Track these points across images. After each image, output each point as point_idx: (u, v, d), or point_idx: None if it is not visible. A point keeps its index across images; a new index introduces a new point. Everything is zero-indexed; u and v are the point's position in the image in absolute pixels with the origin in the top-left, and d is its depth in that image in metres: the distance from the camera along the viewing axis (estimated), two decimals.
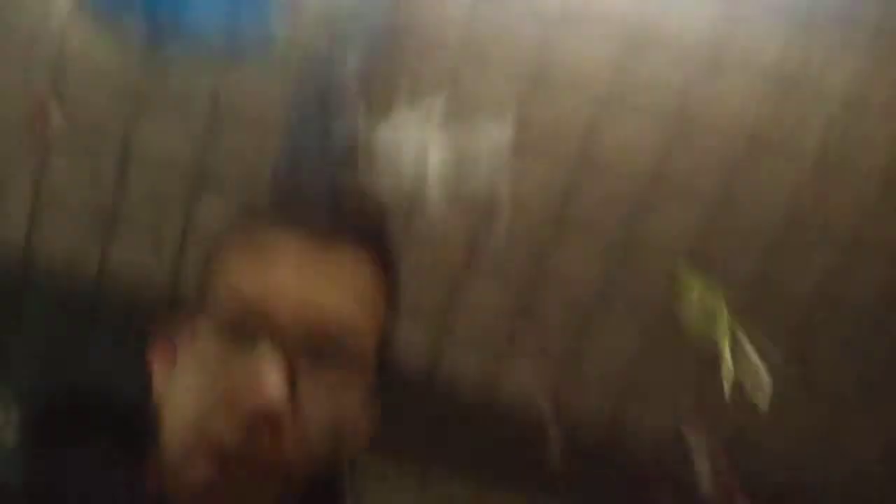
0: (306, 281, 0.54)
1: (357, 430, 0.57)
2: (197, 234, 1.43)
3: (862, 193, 1.40)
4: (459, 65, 1.34)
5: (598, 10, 1.32)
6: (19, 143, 1.38)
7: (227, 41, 1.05)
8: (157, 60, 1.33)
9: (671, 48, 1.35)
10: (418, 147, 1.02)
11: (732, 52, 1.34)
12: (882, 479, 1.46)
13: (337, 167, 1.31)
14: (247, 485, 0.52)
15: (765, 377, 1.20)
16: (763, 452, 1.45)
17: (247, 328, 0.52)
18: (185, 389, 0.54)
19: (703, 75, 1.36)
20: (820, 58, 1.35)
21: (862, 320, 1.45)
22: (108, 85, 1.36)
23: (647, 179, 1.39)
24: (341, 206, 0.60)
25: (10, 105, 1.37)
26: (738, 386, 1.22)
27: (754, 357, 1.25)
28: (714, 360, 1.42)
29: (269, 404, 0.49)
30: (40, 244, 1.43)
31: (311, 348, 0.52)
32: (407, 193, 1.35)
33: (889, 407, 1.43)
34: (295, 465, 0.52)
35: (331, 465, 0.56)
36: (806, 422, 1.47)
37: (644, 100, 1.37)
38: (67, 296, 1.44)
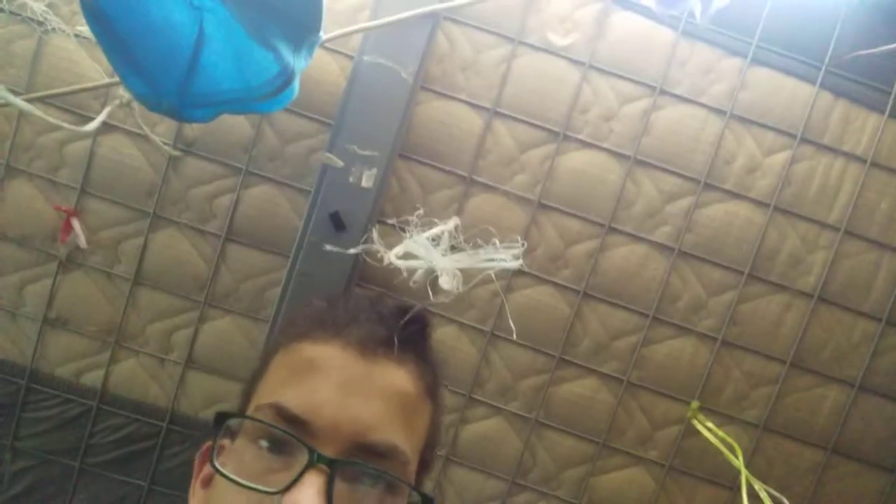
0: (350, 396, 0.54)
1: None
2: (202, 353, 1.43)
3: (865, 330, 1.40)
4: (470, 188, 1.39)
5: (605, 131, 1.39)
6: (37, 256, 1.41)
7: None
8: (179, 173, 1.38)
9: (672, 172, 1.39)
10: (427, 270, 1.03)
11: (730, 179, 1.38)
12: None
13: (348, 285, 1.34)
14: None
15: None
16: None
17: (288, 442, 0.52)
18: (225, 499, 0.53)
19: (705, 199, 1.39)
20: (819, 182, 1.39)
21: (874, 461, 1.41)
22: (130, 198, 1.39)
23: (650, 312, 1.39)
24: (386, 321, 0.60)
25: (35, 218, 1.39)
26: None
27: (768, 500, 1.22)
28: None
29: None
30: (46, 356, 1.42)
31: (350, 464, 0.52)
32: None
33: None
34: None
35: None
36: None
37: (648, 227, 1.39)
38: (67, 409, 1.42)
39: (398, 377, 0.57)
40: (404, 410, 0.56)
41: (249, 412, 0.56)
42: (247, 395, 0.61)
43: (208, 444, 0.63)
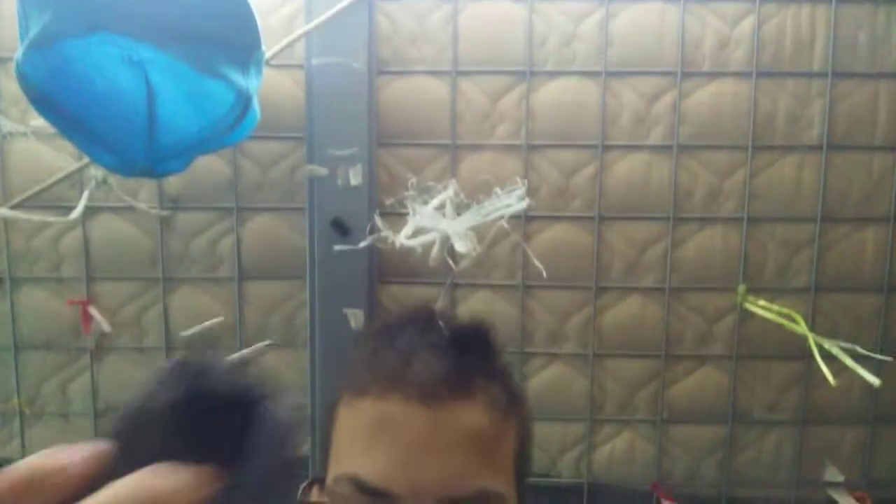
0: (425, 454, 0.51)
1: None
2: None
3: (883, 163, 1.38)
4: (456, 154, 1.37)
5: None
6: (68, 354, 1.42)
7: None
8: (174, 231, 1.38)
9: (646, 73, 1.36)
10: (441, 239, 1.02)
11: (704, 61, 1.35)
12: None
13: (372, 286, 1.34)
14: None
15: (857, 366, 1.15)
16: None
17: None
18: None
19: (687, 88, 1.36)
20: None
21: None
22: (136, 270, 1.40)
23: (670, 214, 1.37)
24: (441, 354, 0.56)
25: (53, 319, 1.40)
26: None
27: (841, 354, 1.20)
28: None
29: None
30: None
31: None
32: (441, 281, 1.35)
33: None
34: None
35: None
36: None
37: (640, 133, 1.37)
38: None
39: (470, 415, 0.53)
40: (485, 446, 0.53)
41: (329, 481, 0.55)
42: (325, 449, 0.59)
43: (309, 481, 0.63)
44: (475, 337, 0.60)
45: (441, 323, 0.61)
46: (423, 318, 0.62)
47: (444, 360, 0.55)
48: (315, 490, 0.60)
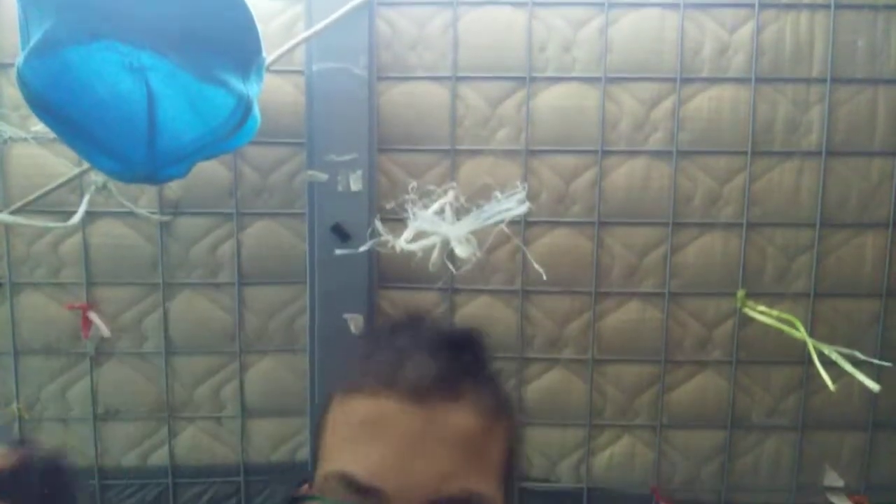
0: (416, 453, 0.51)
1: None
2: (254, 400, 1.43)
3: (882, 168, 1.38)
4: (456, 159, 1.38)
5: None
6: (68, 359, 1.42)
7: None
8: (174, 236, 1.39)
9: (646, 79, 1.37)
10: (441, 244, 1.03)
11: (704, 67, 1.36)
12: None
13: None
14: None
15: (856, 371, 1.15)
16: None
17: None
18: None
19: (686, 94, 1.36)
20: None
21: None
22: (137, 276, 1.40)
23: (669, 219, 1.38)
24: (433, 356, 0.57)
25: (53, 324, 1.40)
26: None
27: (841, 360, 1.20)
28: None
29: None
30: (109, 451, 1.44)
31: None
32: (441, 287, 1.35)
33: None
34: None
35: None
36: None
37: (640, 139, 1.38)
38: (146, 494, 1.43)
39: (459, 416, 0.54)
40: (473, 448, 0.54)
41: (319, 478, 0.55)
42: (316, 450, 0.59)
43: (297, 491, 0.62)
44: (467, 342, 0.60)
45: (434, 328, 0.62)
46: (416, 323, 0.63)
47: (435, 362, 0.56)
48: (305, 488, 0.60)
